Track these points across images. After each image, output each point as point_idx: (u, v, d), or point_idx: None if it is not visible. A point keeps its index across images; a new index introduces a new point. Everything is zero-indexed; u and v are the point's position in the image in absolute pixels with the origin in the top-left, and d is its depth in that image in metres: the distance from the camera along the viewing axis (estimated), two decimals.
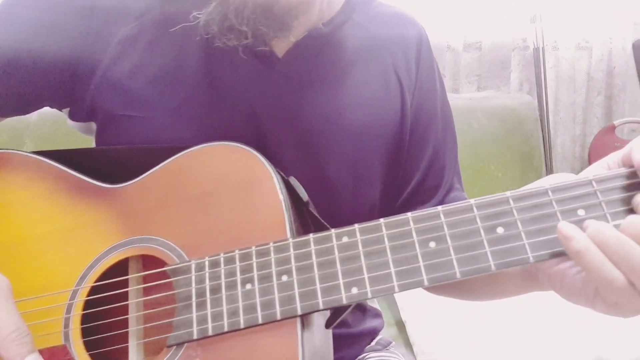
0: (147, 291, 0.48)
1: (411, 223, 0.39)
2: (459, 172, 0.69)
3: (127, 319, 0.47)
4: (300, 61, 0.56)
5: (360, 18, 0.61)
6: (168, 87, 0.55)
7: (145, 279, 0.48)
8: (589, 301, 0.38)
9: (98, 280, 0.47)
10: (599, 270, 0.35)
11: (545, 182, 0.41)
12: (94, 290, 0.47)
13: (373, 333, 0.73)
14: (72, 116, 0.58)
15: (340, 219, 0.57)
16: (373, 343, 0.73)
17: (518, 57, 1.70)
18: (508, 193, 0.38)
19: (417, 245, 0.38)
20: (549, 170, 1.61)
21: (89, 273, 0.47)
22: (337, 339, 0.54)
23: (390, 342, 0.76)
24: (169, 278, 0.44)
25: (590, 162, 1.70)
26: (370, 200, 0.61)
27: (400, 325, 1.13)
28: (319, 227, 0.45)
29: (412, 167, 0.62)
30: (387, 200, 0.63)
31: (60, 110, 0.59)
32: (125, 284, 0.47)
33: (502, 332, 1.02)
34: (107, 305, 0.46)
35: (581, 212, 0.37)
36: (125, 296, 0.47)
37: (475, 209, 0.38)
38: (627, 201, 0.36)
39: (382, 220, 0.40)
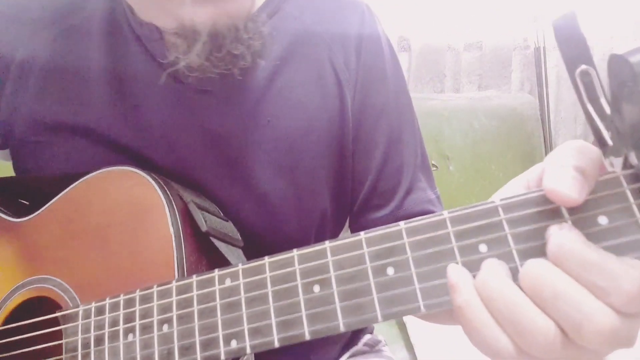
0: (44, 338, 0.45)
1: (296, 263, 0.33)
2: (427, 167, 0.61)
3: None
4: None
5: (291, 7, 0.54)
6: (73, 109, 0.51)
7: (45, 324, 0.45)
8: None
9: (4, 323, 0.45)
10: (480, 334, 0.28)
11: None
12: (3, 334, 0.45)
13: (356, 335, 0.69)
14: None
15: (288, 234, 0.54)
16: (360, 344, 0.69)
17: (519, 57, 1.70)
18: (402, 224, 0.32)
19: (300, 290, 0.33)
20: None
21: None
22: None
23: (379, 341, 0.72)
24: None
25: None
26: (319, 209, 0.56)
27: (402, 325, 1.13)
28: (223, 260, 0.42)
29: (363, 169, 0.56)
30: (340, 208, 0.59)
31: None
32: (31, 327, 0.45)
33: None
34: (13, 351, 0.44)
35: (483, 248, 0.30)
36: (28, 340, 0.45)
37: (365, 244, 0.32)
38: (541, 233, 0.29)
39: (266, 259, 0.35)
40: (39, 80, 0.51)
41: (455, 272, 0.29)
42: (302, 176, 0.53)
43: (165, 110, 0.51)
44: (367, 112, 0.55)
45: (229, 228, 0.48)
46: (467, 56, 1.66)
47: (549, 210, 0.29)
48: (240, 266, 0.35)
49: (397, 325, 1.14)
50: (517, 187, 0.32)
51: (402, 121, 0.58)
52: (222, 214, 0.50)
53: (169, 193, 0.43)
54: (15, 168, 0.56)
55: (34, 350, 0.43)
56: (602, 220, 0.28)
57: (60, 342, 0.41)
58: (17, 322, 0.44)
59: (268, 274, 0.34)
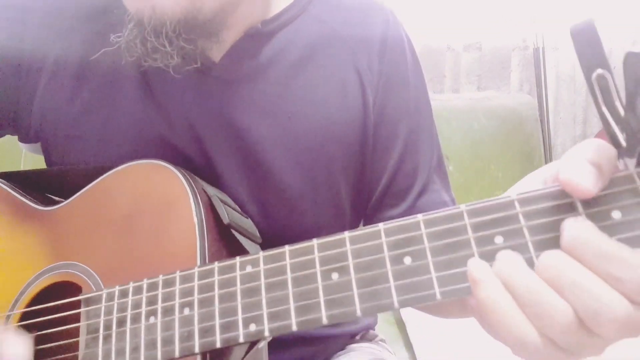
0: (68, 319, 0.46)
1: (316, 251, 0.35)
2: (444, 171, 0.62)
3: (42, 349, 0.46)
4: (238, 64, 0.52)
5: (318, 10, 0.56)
6: (104, 108, 0.53)
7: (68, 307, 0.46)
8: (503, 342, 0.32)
9: (29, 303, 0.46)
10: (507, 326, 0.29)
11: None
12: (27, 316, 0.46)
13: (353, 333, 0.70)
14: (21, 138, 0.58)
15: (305, 230, 0.55)
16: (358, 337, 0.71)
17: (518, 58, 1.70)
18: (420, 216, 0.33)
19: (319, 276, 0.34)
20: None
21: (21, 298, 0.47)
22: (309, 339, 0.52)
23: (376, 336, 0.73)
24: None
25: None
26: (337, 208, 0.57)
27: (401, 324, 1.13)
28: (242, 253, 0.43)
29: (380, 169, 0.57)
30: (357, 206, 0.60)
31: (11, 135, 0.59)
32: (54, 310, 0.46)
33: None
34: (37, 332, 0.45)
35: (499, 240, 0.31)
36: (52, 322, 0.46)
37: (383, 234, 0.33)
38: (556, 226, 0.30)
39: (287, 247, 0.36)
40: (72, 80, 0.53)
41: (477, 265, 0.30)
42: (320, 174, 0.54)
43: (190, 101, 0.52)
44: (387, 114, 0.56)
45: (249, 224, 0.49)
46: (467, 57, 1.66)
47: (564, 204, 0.30)
48: (261, 254, 0.36)
49: (397, 324, 1.14)
50: (534, 182, 0.33)
51: (421, 125, 0.59)
52: (242, 211, 0.52)
53: (194, 186, 0.44)
54: (47, 162, 0.57)
55: (55, 331, 0.45)
56: (616, 214, 0.29)
57: (79, 324, 0.42)
58: (42, 304, 0.46)
59: (288, 261, 0.35)
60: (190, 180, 0.45)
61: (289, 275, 0.35)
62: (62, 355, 0.46)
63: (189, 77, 0.51)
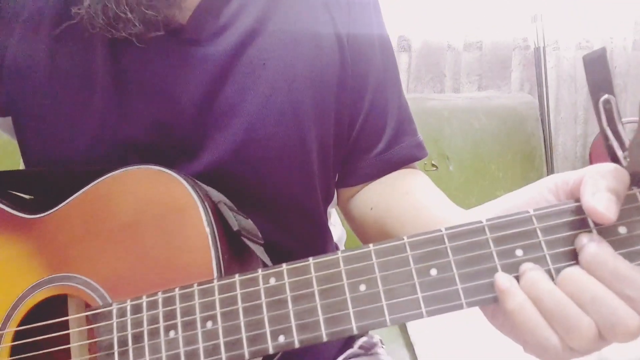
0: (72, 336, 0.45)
1: (341, 264, 0.36)
2: (409, 113, 0.62)
3: None
4: (206, 23, 0.51)
5: None
6: (74, 82, 0.51)
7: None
8: (520, 343, 0.35)
9: (23, 319, 0.44)
10: (533, 334, 0.31)
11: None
12: (20, 333, 0.44)
13: (351, 337, 0.68)
14: None
15: (290, 182, 0.54)
16: (355, 347, 0.69)
17: (519, 57, 1.70)
18: (443, 229, 0.35)
19: (346, 289, 0.35)
20: (550, 171, 1.61)
21: (13, 314, 0.44)
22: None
23: (376, 344, 0.71)
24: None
25: (591, 163, 1.70)
26: (323, 156, 0.56)
27: (402, 325, 1.13)
28: (249, 259, 0.43)
29: (356, 108, 0.57)
30: (339, 153, 0.59)
31: None
32: (50, 326, 0.44)
33: None
34: (34, 351, 0.43)
35: (519, 253, 0.34)
36: (51, 340, 0.44)
37: (408, 248, 0.35)
38: (571, 240, 0.33)
39: (311, 259, 0.36)
40: (43, 46, 0.51)
41: (505, 279, 0.33)
42: (304, 119, 0.53)
43: (162, 66, 0.51)
44: (360, 52, 0.56)
45: (250, 225, 0.48)
46: (467, 56, 1.66)
47: (577, 220, 0.33)
48: (284, 266, 0.37)
49: (398, 325, 1.14)
50: (542, 191, 0.35)
51: (387, 62, 0.60)
52: (242, 213, 0.51)
53: (199, 193, 0.43)
54: (19, 139, 0.54)
55: (57, 350, 0.43)
56: (622, 230, 0.32)
57: (89, 341, 0.41)
58: (36, 320, 0.44)
59: (313, 274, 0.36)
60: (195, 187, 0.43)
61: (316, 288, 0.36)
62: None
63: (158, 44, 0.50)
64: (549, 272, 0.33)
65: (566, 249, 0.33)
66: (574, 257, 0.33)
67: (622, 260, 0.31)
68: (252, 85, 0.51)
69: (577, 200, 0.33)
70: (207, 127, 0.52)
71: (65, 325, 0.43)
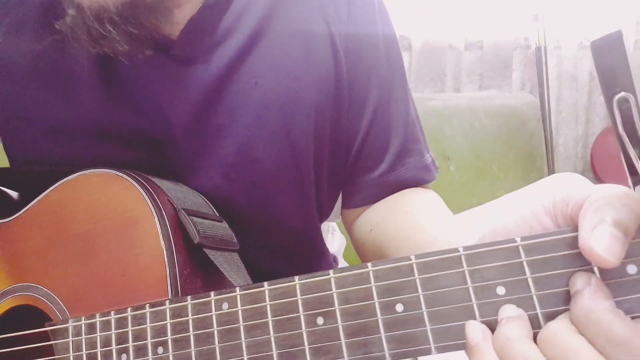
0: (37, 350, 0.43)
1: (298, 292, 0.32)
2: (417, 131, 0.58)
3: None
4: (198, 38, 0.48)
5: None
6: (59, 91, 0.49)
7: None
8: None
9: None
10: None
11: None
12: None
13: None
14: None
15: (285, 204, 0.52)
16: None
17: (520, 57, 1.69)
18: (413, 258, 0.30)
19: (302, 321, 0.31)
20: (551, 171, 1.60)
21: None
22: None
23: None
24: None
25: (592, 163, 1.70)
26: (317, 175, 0.54)
27: None
28: (218, 270, 0.41)
29: (354, 128, 0.53)
30: (336, 172, 0.56)
31: None
32: (21, 339, 0.43)
33: None
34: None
35: (500, 291, 0.28)
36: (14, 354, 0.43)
37: (372, 278, 0.30)
38: (565, 280, 0.26)
39: (265, 285, 0.33)
40: (27, 50, 0.49)
41: (477, 331, 0.27)
42: (298, 139, 0.51)
43: (154, 82, 0.49)
44: (360, 65, 0.53)
45: (222, 230, 0.46)
46: (468, 56, 1.65)
47: (574, 255, 0.27)
48: (238, 291, 0.34)
49: None
50: (536, 208, 0.30)
51: (393, 78, 0.56)
52: (216, 213, 0.49)
53: (157, 200, 0.41)
54: (4, 148, 0.53)
55: None
56: (632, 269, 0.26)
57: (50, 358, 0.40)
58: (2, 329, 0.43)
59: (268, 302, 0.33)
60: (153, 193, 0.41)
61: (270, 318, 0.33)
62: None
63: (148, 59, 0.47)
64: (535, 317, 0.27)
65: (558, 290, 0.27)
66: (567, 300, 0.26)
67: (622, 319, 0.25)
68: (243, 105, 0.49)
69: (577, 227, 0.26)
70: (197, 148, 0.50)
71: (30, 339, 0.43)
